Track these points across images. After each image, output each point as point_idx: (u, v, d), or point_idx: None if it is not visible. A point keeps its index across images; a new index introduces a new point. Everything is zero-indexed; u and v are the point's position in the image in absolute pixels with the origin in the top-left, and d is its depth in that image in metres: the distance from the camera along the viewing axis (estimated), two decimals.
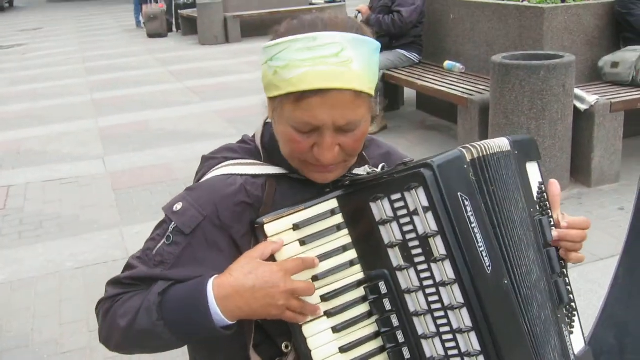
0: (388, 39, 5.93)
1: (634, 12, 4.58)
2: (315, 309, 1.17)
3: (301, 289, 1.14)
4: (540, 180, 1.33)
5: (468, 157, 1.16)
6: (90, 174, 5.45)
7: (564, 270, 1.33)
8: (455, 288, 1.12)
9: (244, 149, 1.31)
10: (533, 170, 1.33)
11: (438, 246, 1.12)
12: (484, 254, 1.13)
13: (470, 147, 1.18)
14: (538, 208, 1.30)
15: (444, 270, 1.13)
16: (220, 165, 1.27)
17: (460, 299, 1.12)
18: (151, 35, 14.38)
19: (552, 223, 1.32)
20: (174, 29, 15.21)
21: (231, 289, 1.13)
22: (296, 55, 1.08)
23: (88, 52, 12.75)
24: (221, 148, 1.33)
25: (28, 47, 14.32)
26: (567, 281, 1.33)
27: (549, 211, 1.31)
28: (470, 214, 1.13)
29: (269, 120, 1.28)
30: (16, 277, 3.80)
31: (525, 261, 1.22)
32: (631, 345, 2.03)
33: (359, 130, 1.16)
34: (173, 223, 1.20)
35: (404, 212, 1.14)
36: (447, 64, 5.87)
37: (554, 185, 1.33)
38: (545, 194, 1.32)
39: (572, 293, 1.34)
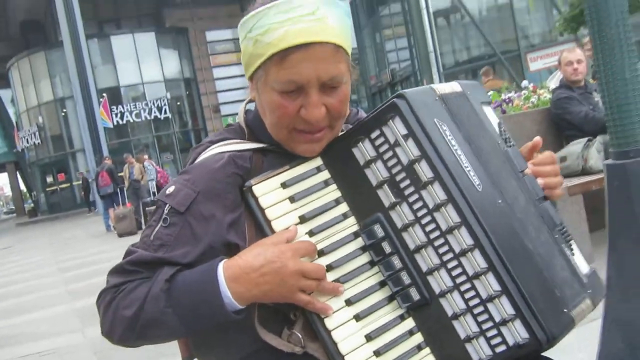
0: None
1: (569, 109, 4.86)
2: (335, 288, 1.14)
3: (310, 269, 1.11)
4: (498, 120, 1.35)
5: (438, 92, 1.20)
6: (70, 344, 5.20)
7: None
8: (450, 209, 1.11)
9: (227, 130, 1.33)
10: (489, 112, 1.36)
11: (424, 170, 1.13)
12: (472, 174, 1.13)
13: (439, 85, 1.23)
14: (504, 142, 1.31)
15: (435, 193, 1.12)
16: (207, 150, 1.27)
17: (457, 218, 1.11)
18: (121, 234, 14.46)
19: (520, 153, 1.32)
20: (143, 226, 15.37)
21: (240, 270, 1.10)
22: (274, 18, 1.12)
23: (60, 257, 12.66)
24: (206, 138, 1.34)
25: (0, 261, 14.18)
26: (554, 206, 1.31)
27: (513, 143, 1.31)
28: (450, 137, 1.15)
29: (249, 107, 1.31)
30: None
31: (509, 187, 1.21)
32: None
33: (341, 89, 1.17)
34: (167, 205, 1.18)
35: (386, 147, 1.16)
36: None
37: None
38: (505, 131, 1.33)
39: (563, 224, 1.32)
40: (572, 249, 1.29)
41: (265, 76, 1.16)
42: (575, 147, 4.73)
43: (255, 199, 1.16)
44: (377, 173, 1.17)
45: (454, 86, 1.28)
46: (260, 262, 1.10)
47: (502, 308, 1.09)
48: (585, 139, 4.73)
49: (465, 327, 1.11)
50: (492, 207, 1.13)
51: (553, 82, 6.44)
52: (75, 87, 24.47)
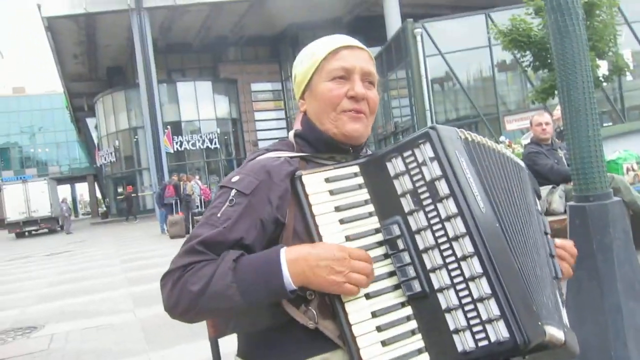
0: None
1: (537, 161, 4.81)
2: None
3: (360, 266, 1.08)
4: (540, 205, 1.38)
5: (461, 135, 1.20)
6: (123, 322, 5.17)
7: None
8: (458, 221, 1.09)
9: (280, 143, 1.34)
10: (536, 199, 1.39)
11: (442, 187, 1.11)
12: (478, 198, 1.12)
13: (464, 131, 1.23)
14: (540, 214, 1.33)
15: (448, 207, 1.11)
16: (265, 154, 1.27)
17: (463, 229, 1.09)
18: (173, 237, 14.47)
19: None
20: (191, 231, 15.31)
21: (300, 254, 1.08)
22: (322, 41, 1.26)
23: (122, 251, 12.75)
24: (263, 147, 1.34)
25: (74, 252, 14.23)
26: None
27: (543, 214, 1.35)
28: (465, 167, 1.14)
29: (297, 128, 1.32)
30: None
31: (520, 225, 1.21)
32: (593, 357, 1.88)
33: (375, 91, 1.24)
34: (234, 190, 1.17)
35: (414, 164, 1.15)
36: None
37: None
38: (539, 208, 1.36)
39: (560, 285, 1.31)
40: (563, 305, 1.28)
41: (319, 74, 1.23)
42: (541, 192, 4.66)
43: (303, 186, 1.15)
44: (403, 184, 1.15)
45: (517, 160, 1.35)
46: (317, 252, 1.08)
47: (490, 309, 1.06)
48: (550, 186, 4.67)
49: (455, 320, 1.08)
50: (491, 227, 1.11)
51: (526, 140, 6.42)
52: (146, 119, 24.70)
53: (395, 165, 1.16)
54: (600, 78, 12.60)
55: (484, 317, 1.06)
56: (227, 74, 34.35)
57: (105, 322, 5.23)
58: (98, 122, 35.15)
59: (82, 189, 49.87)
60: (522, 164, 1.35)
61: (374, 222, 1.17)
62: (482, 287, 1.06)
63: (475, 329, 1.06)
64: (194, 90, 32.20)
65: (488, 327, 1.05)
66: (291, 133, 1.33)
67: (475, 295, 1.07)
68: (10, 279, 9.70)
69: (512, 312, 1.04)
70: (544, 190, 4.63)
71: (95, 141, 37.91)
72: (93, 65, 34.46)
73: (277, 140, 1.36)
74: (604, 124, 19.56)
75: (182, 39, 32.09)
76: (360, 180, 1.20)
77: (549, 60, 12.49)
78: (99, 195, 46.00)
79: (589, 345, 1.89)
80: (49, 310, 6.19)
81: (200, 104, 32.13)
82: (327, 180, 1.17)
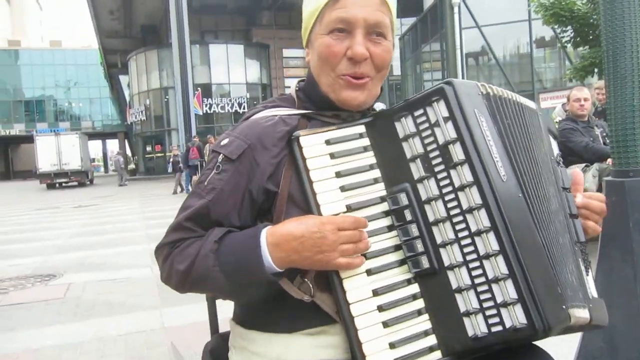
0: None
1: (572, 139, 4.57)
2: (366, 245, 0.98)
3: (347, 235, 0.95)
4: (559, 152, 1.20)
5: (482, 90, 1.03)
6: (140, 276, 5.19)
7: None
8: (474, 190, 0.94)
9: (280, 98, 1.19)
10: (554, 144, 1.21)
11: (457, 152, 0.96)
12: (499, 164, 0.96)
13: (486, 85, 1.05)
14: (556, 162, 1.15)
15: (463, 175, 0.96)
16: (260, 111, 1.14)
17: (479, 200, 0.94)
18: None
19: (570, 177, 1.16)
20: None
21: (281, 237, 0.96)
22: None
23: (146, 208, 12.90)
24: (260, 104, 1.20)
25: (101, 206, 14.47)
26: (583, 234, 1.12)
27: (562, 166, 1.17)
28: (485, 128, 0.98)
29: (301, 82, 1.18)
30: (65, 341, 3.42)
31: (542, 191, 1.04)
32: (621, 344, 1.71)
33: (385, 44, 1.05)
34: (221, 155, 1.05)
35: (426, 125, 1.00)
36: None
37: (577, 173, 1.19)
38: (560, 157, 1.19)
39: (586, 247, 1.12)
40: (588, 271, 1.10)
41: (320, 24, 1.04)
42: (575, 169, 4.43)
43: (300, 148, 1.02)
44: (413, 147, 1.01)
45: (528, 102, 1.13)
46: (301, 231, 0.95)
47: (506, 291, 0.92)
48: (583, 164, 4.43)
49: (466, 302, 0.94)
50: (513, 198, 0.96)
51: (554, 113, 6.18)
52: (177, 80, 24.77)
53: (404, 126, 1.01)
54: None
55: (499, 300, 0.92)
56: (259, 38, 34.07)
57: (123, 276, 5.26)
58: (130, 79, 35.42)
59: (113, 145, 50.77)
60: (533, 105, 1.16)
61: (379, 190, 1.03)
62: (498, 266, 0.92)
63: (488, 313, 0.93)
64: (226, 53, 32.06)
65: (503, 311, 0.92)
66: (293, 86, 1.18)
67: (490, 276, 0.93)
68: (36, 227, 9.92)
69: (532, 295, 0.90)
70: (577, 168, 4.39)
71: (127, 99, 38.31)
72: (128, 22, 34.56)
73: (276, 96, 1.22)
74: None
75: (216, 0, 31.82)
76: (365, 142, 1.05)
77: (591, 37, 11.92)
78: (128, 152, 46.73)
79: (617, 331, 1.73)
80: (69, 260, 6.26)
81: (231, 68, 32.04)
82: (328, 142, 1.03)
